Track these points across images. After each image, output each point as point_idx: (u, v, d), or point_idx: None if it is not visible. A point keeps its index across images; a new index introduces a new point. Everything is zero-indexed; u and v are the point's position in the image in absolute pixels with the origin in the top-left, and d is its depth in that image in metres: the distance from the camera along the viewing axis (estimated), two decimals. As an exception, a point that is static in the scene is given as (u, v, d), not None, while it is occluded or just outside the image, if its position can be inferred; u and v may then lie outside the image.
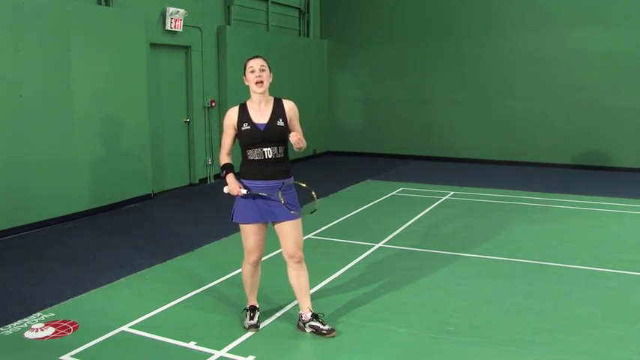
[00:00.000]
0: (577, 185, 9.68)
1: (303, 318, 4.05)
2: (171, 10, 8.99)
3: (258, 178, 3.86)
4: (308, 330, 4.03)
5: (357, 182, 10.06)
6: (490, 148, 12.34)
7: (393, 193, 9.14)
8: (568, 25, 11.43)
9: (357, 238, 6.47)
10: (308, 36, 13.44)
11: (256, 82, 3.84)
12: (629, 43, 10.96)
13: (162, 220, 7.47)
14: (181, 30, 9.28)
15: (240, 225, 3.97)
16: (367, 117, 13.67)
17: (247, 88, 3.94)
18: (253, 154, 3.84)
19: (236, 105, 3.96)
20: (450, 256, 5.83)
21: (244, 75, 3.92)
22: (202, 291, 4.86)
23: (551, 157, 11.79)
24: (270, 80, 3.93)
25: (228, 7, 10.69)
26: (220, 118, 10.27)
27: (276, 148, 3.85)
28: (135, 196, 8.39)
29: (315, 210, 3.94)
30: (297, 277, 4.02)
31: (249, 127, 3.83)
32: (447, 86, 12.65)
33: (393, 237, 6.55)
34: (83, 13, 7.51)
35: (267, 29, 11.93)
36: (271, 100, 3.95)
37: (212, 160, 10.26)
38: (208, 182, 10.25)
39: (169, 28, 9.05)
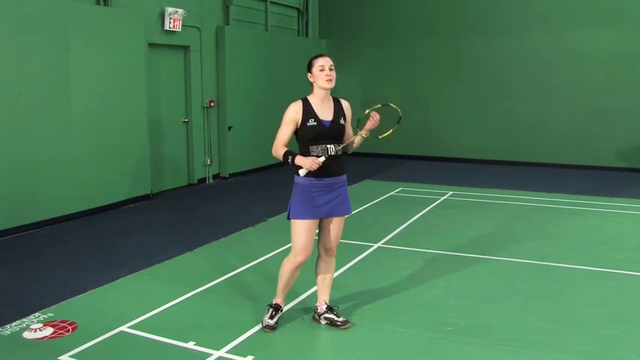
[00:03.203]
0: (576, 185, 9.68)
1: (319, 310, 4.13)
2: (170, 10, 8.98)
3: (319, 173, 3.84)
4: (323, 322, 4.11)
5: (357, 182, 10.05)
6: (489, 148, 12.34)
7: (392, 193, 9.13)
8: (567, 25, 11.43)
9: (356, 238, 6.46)
10: (307, 36, 13.43)
11: (328, 80, 3.87)
12: (629, 44, 10.96)
13: (160, 220, 7.46)
14: (180, 30, 9.26)
15: (293, 221, 3.91)
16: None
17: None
18: (317, 150, 3.85)
19: (297, 100, 3.94)
20: (449, 256, 5.83)
21: (310, 72, 3.92)
22: (201, 291, 4.84)
23: (550, 157, 11.79)
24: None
25: (227, 7, 10.67)
26: (219, 117, 10.29)
27: (337, 144, 3.90)
28: (134, 196, 8.37)
29: (400, 119, 4.01)
30: (327, 269, 4.13)
31: (315, 124, 3.85)
32: (447, 86, 12.65)
33: (393, 237, 6.54)
34: (82, 13, 7.49)
35: (266, 29, 11.92)
36: (331, 98, 4.00)
37: (211, 160, 10.24)
38: (207, 182, 10.24)
39: (168, 28, 9.04)
